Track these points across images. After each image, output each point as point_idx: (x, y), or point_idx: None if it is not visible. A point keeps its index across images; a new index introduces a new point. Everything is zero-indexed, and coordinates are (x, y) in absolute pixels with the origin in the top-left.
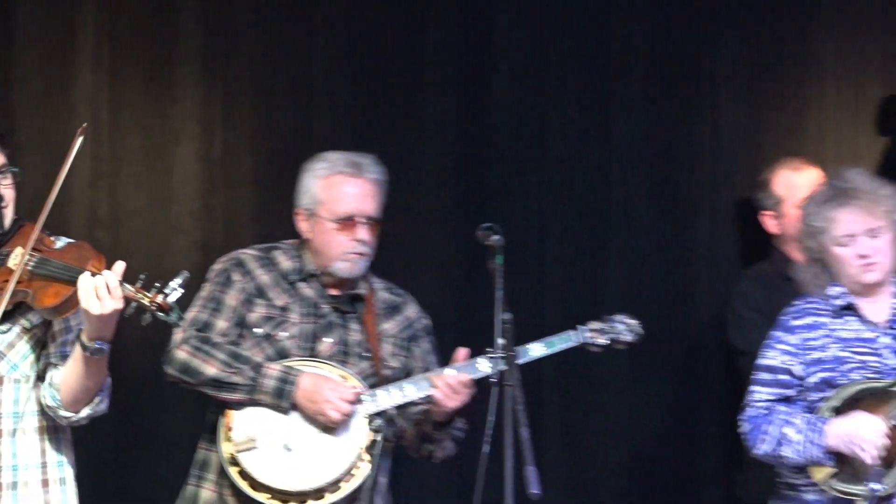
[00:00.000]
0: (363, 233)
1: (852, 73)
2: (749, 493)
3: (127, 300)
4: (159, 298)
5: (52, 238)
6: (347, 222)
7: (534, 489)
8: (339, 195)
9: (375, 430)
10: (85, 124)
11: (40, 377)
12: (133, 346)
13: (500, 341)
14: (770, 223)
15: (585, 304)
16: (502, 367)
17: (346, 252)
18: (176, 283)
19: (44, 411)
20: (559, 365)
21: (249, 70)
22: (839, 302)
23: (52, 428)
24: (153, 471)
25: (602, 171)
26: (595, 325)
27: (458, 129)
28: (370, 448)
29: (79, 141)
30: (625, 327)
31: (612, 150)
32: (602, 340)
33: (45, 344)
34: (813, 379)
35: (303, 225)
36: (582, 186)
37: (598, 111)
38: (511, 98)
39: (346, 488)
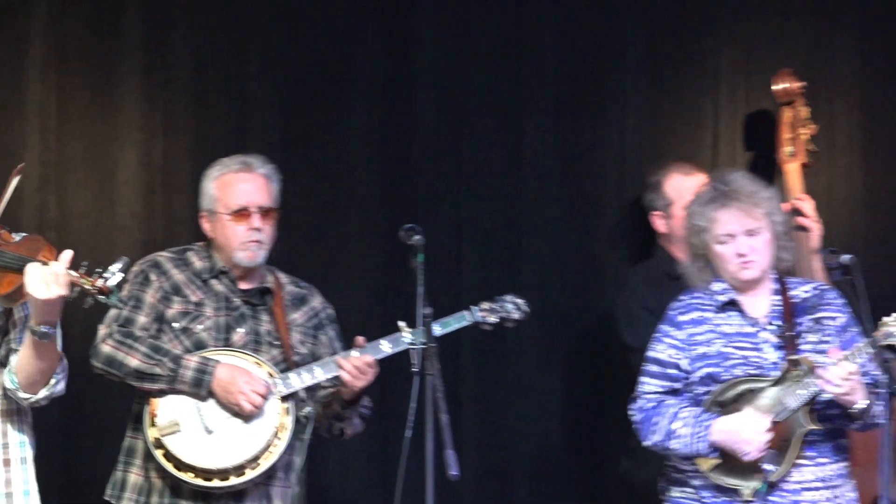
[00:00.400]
0: (257, 221)
1: (744, 84)
2: (639, 478)
3: (71, 285)
4: (99, 282)
5: (10, 234)
6: (242, 213)
7: (453, 471)
8: (232, 190)
9: (305, 417)
10: (22, 164)
11: (2, 363)
12: (81, 334)
13: (420, 330)
14: (659, 223)
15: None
16: (401, 347)
17: (243, 241)
18: (115, 267)
19: (6, 395)
20: (477, 356)
21: (187, 83)
22: (722, 298)
23: (15, 410)
24: (101, 454)
25: (515, 175)
26: (486, 304)
27: (382, 137)
28: (299, 432)
29: (15, 180)
30: (513, 306)
31: (524, 156)
32: (493, 319)
33: (7, 331)
34: (699, 374)
35: (206, 226)
36: (497, 190)
37: (512, 120)
38: (431, 108)
39: (265, 465)
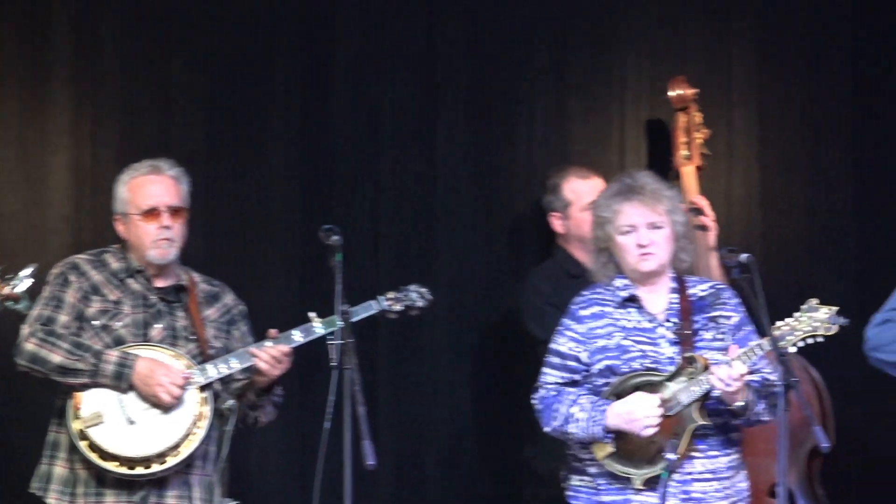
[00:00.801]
0: (167, 220)
1: (648, 91)
2: (542, 467)
3: None
4: (6, 289)
5: None
6: (152, 213)
7: (370, 461)
8: (142, 192)
9: (229, 410)
10: None
11: None
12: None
13: (339, 324)
14: (557, 224)
15: None
16: (312, 337)
17: (154, 240)
18: (24, 274)
19: None
20: (392, 351)
21: (114, 91)
22: (623, 293)
23: None
24: (26, 449)
25: (428, 177)
26: (391, 294)
27: (301, 141)
28: (222, 424)
29: None
30: (417, 295)
31: (437, 158)
32: (398, 307)
33: None
34: (598, 366)
35: (120, 228)
36: (412, 191)
37: (425, 123)
38: (347, 111)
39: (185, 452)
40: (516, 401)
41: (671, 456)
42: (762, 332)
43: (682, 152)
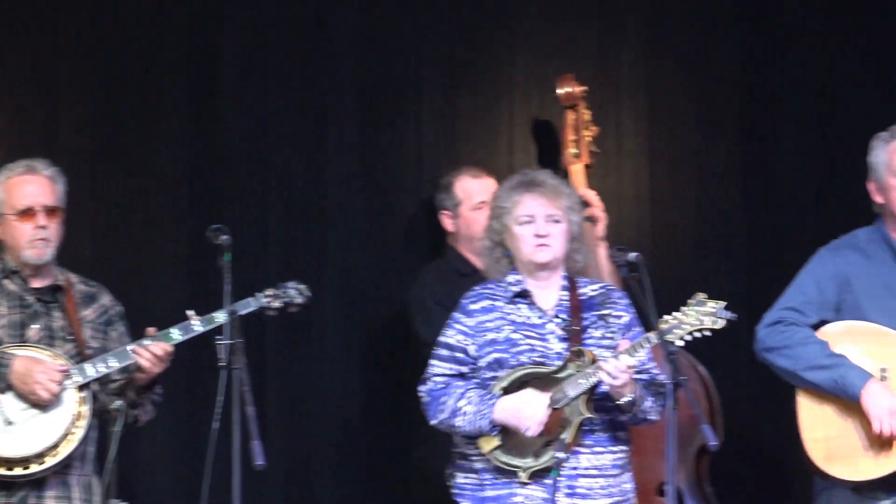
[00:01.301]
0: (42, 220)
1: (538, 92)
2: (431, 467)
3: None
4: None
5: None
6: (28, 213)
7: (259, 461)
8: (18, 192)
9: (117, 410)
10: None
11: None
12: None
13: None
14: (447, 222)
15: None
16: (191, 334)
17: (30, 240)
18: None
19: None
20: (281, 350)
21: (1, 89)
22: (515, 288)
23: None
24: None
25: (318, 176)
26: (270, 291)
27: (190, 141)
28: (110, 424)
29: None
30: (296, 292)
31: (326, 157)
32: (277, 304)
33: None
34: (487, 359)
35: None
36: (301, 191)
37: (315, 123)
38: (237, 111)
39: (64, 452)
40: (406, 401)
41: (560, 455)
42: (651, 329)
43: (571, 150)
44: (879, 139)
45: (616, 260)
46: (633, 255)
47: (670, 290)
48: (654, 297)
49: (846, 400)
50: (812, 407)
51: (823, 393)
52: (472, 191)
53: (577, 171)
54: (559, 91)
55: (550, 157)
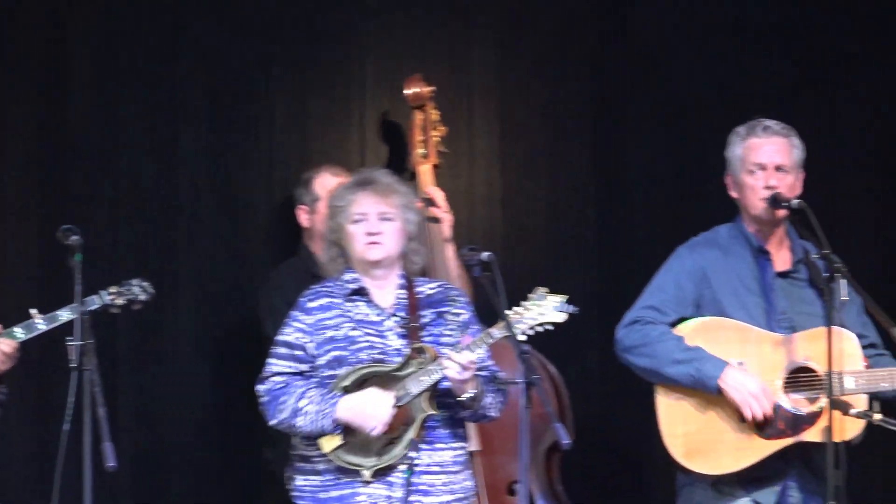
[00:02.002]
0: None
1: (389, 92)
2: (280, 468)
3: None
4: None
5: None
6: None
7: (110, 462)
8: None
9: None
10: None
11: None
12: None
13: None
14: (303, 217)
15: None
16: (34, 333)
17: None
18: None
19: None
20: (134, 349)
21: None
22: (352, 286)
23: None
24: None
25: (170, 177)
26: (114, 288)
27: (39, 139)
28: None
29: None
30: (140, 289)
31: (179, 157)
32: (120, 301)
33: None
34: (326, 357)
35: None
36: (153, 191)
37: (167, 123)
38: (87, 110)
39: None
40: (258, 402)
41: (413, 454)
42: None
43: (419, 150)
44: (736, 134)
45: (468, 259)
46: (485, 255)
47: (522, 289)
48: (506, 296)
49: (706, 394)
50: (671, 403)
51: (682, 389)
52: (330, 188)
53: (426, 171)
54: (407, 92)
55: (401, 158)
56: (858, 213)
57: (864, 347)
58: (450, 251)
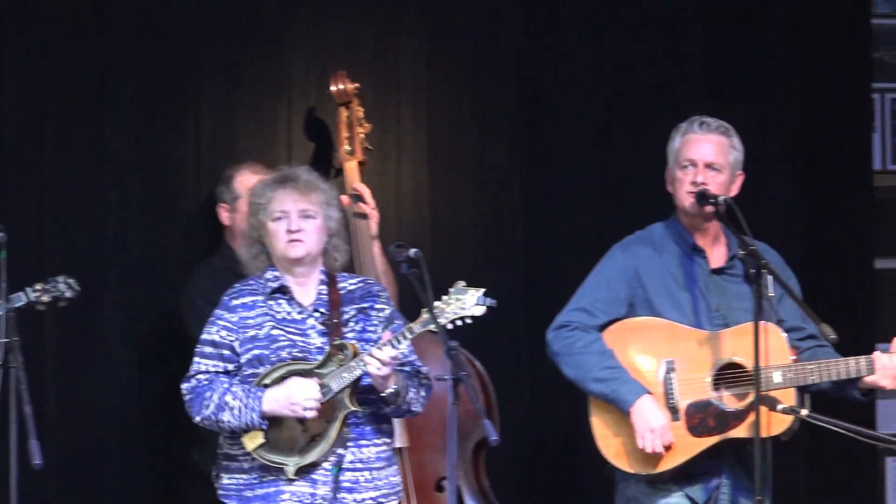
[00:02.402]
0: None
1: (316, 89)
2: (208, 468)
3: None
4: None
5: None
6: None
7: (36, 460)
8: None
9: None
10: None
11: None
12: None
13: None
14: (224, 215)
15: (83, 290)
16: None
17: None
18: None
19: None
20: (61, 347)
21: None
22: (273, 284)
23: None
24: None
25: (97, 173)
26: (39, 285)
27: None
28: None
29: None
30: (66, 286)
31: (106, 153)
32: (46, 298)
33: None
34: (247, 356)
35: None
36: (79, 186)
37: (94, 118)
38: (13, 105)
39: None
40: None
41: (341, 451)
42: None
43: (345, 147)
44: (676, 129)
45: (395, 256)
46: (412, 252)
47: (449, 286)
48: (433, 293)
49: None
50: (603, 406)
51: None
52: (251, 186)
53: (352, 168)
54: (332, 88)
55: (327, 154)
56: (783, 209)
57: (804, 339)
58: (377, 248)
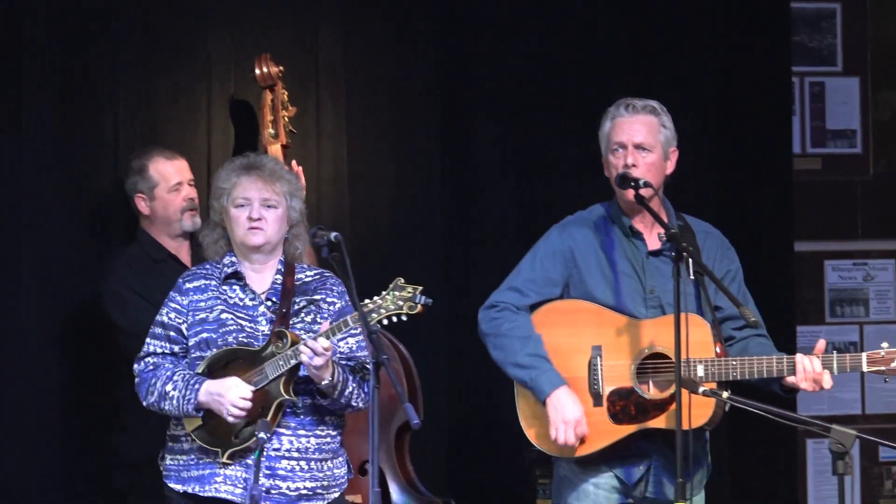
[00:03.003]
0: None
1: (236, 72)
2: (132, 453)
3: None
4: None
5: None
6: None
7: None
8: None
9: None
10: None
11: None
12: None
13: None
14: (143, 206)
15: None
16: None
17: None
18: None
19: None
20: None
21: None
22: (229, 269)
23: None
24: None
25: (13, 160)
26: None
27: None
28: None
29: None
30: None
31: (23, 141)
32: None
33: None
34: (196, 338)
35: None
36: None
37: (9, 105)
38: None
39: None
40: (103, 387)
41: (262, 435)
42: (354, 309)
43: (269, 131)
44: (605, 113)
45: (317, 240)
46: (332, 235)
47: (370, 269)
48: (354, 277)
49: (564, 371)
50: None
51: None
52: (167, 172)
53: (276, 151)
54: (256, 71)
55: (248, 138)
56: (703, 192)
57: (741, 328)
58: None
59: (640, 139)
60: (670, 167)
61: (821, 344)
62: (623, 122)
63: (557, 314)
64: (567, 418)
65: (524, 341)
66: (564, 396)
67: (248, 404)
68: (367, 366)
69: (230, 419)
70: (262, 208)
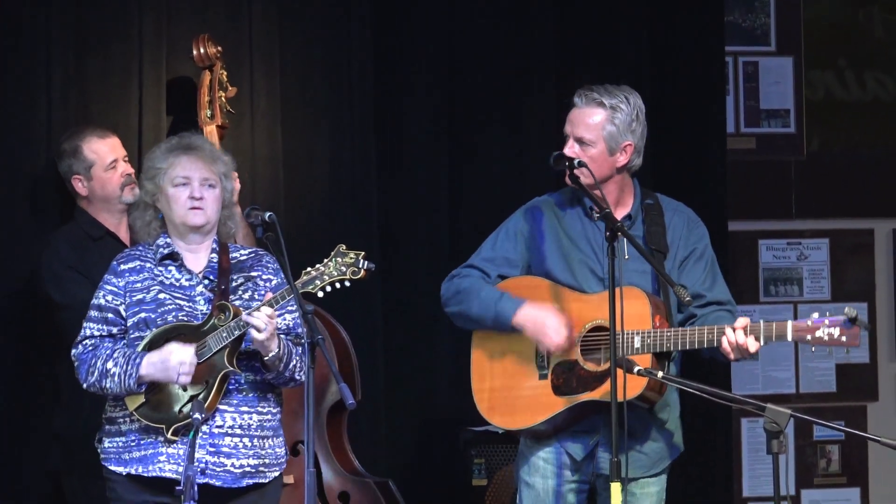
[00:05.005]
0: None
1: (167, 50)
2: (70, 434)
3: None
4: None
5: None
6: None
7: None
8: None
9: None
10: None
11: None
12: None
13: None
14: (80, 186)
15: None
16: None
17: None
18: None
19: None
20: None
21: None
22: (164, 250)
23: None
24: None
25: None
26: None
27: None
28: None
29: None
30: None
31: None
32: None
33: None
34: (134, 318)
35: None
36: None
37: None
38: None
39: None
40: (44, 367)
41: (197, 416)
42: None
43: (206, 111)
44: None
45: (251, 220)
46: (267, 215)
47: (304, 248)
48: (288, 256)
49: (516, 349)
50: (483, 359)
51: (497, 342)
52: (102, 151)
53: (212, 132)
54: (194, 52)
55: (182, 118)
56: (636, 173)
57: (704, 306)
58: (237, 211)
59: (580, 133)
60: (622, 160)
61: (741, 321)
62: (572, 113)
63: (513, 289)
64: (548, 324)
65: (486, 288)
66: (532, 308)
67: (194, 361)
68: (301, 335)
69: (181, 380)
70: (202, 188)
